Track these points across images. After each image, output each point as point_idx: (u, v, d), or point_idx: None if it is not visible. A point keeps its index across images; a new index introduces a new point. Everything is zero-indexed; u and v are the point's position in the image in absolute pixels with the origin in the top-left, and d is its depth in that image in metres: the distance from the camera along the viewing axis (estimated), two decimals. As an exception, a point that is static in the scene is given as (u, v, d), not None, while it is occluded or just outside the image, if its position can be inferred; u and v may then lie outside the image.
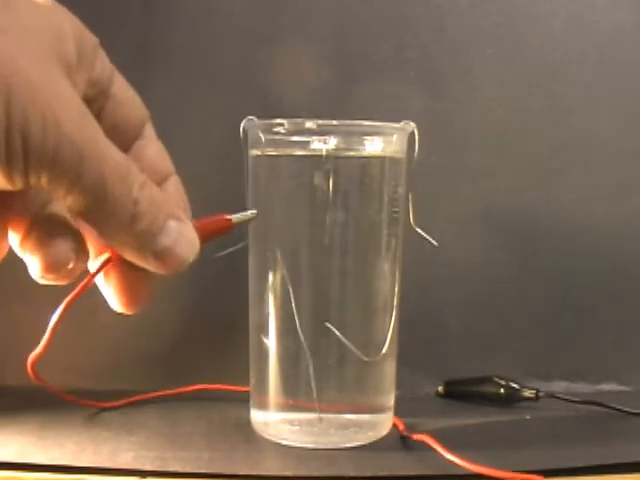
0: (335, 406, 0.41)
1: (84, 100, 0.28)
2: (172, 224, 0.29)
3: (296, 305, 0.40)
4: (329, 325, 0.40)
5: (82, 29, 0.29)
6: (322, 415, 0.41)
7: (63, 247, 0.30)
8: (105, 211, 0.27)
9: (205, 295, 0.53)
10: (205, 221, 0.40)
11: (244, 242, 0.42)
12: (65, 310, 0.41)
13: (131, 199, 0.27)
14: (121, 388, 0.50)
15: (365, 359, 0.40)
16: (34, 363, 0.43)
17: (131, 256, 0.30)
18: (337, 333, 0.40)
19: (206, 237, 0.40)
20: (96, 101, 0.30)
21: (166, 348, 0.53)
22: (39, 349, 0.42)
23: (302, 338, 0.40)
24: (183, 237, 0.30)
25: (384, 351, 0.41)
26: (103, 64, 0.30)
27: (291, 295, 0.40)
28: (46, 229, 0.30)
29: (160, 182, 0.34)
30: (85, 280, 0.39)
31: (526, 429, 0.45)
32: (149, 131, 0.33)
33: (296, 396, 0.41)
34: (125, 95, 0.32)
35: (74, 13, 0.30)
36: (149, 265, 0.30)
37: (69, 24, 0.28)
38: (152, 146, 0.33)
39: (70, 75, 0.27)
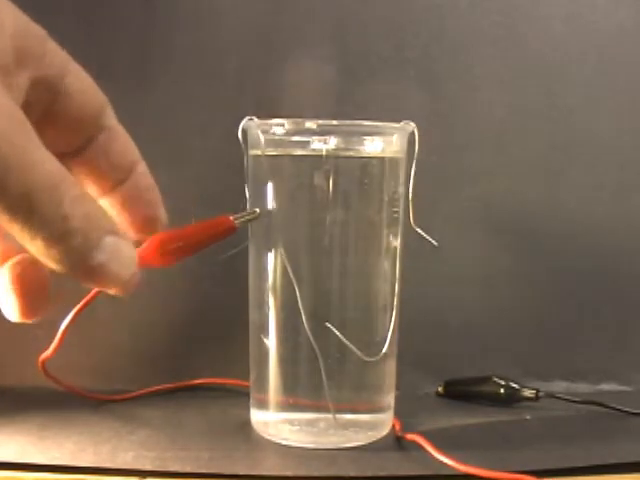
0: (335, 406, 0.41)
1: (28, 100, 0.27)
2: (109, 240, 0.27)
3: (297, 305, 0.40)
4: (329, 325, 0.40)
5: (26, 24, 0.27)
6: (323, 415, 0.41)
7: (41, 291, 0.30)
8: (32, 227, 0.25)
9: (205, 295, 0.53)
10: (208, 223, 0.40)
11: (246, 243, 0.42)
12: (74, 318, 0.42)
13: (60, 215, 0.25)
14: (121, 388, 0.50)
15: (365, 359, 0.40)
16: (44, 363, 0.43)
17: (62, 271, 0.29)
18: (337, 333, 0.40)
19: (210, 239, 0.40)
20: (44, 98, 0.29)
21: (166, 348, 0.53)
22: (49, 352, 0.42)
23: (312, 339, 0.39)
24: (119, 253, 0.28)
25: (384, 351, 0.41)
26: (52, 58, 0.28)
27: (297, 295, 0.39)
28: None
29: (128, 173, 0.32)
30: (93, 292, 0.40)
31: (526, 429, 0.45)
32: (110, 119, 0.31)
33: (296, 396, 0.41)
34: (80, 85, 0.30)
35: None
36: (80, 281, 0.29)
37: (10, 20, 0.26)
38: (118, 138, 0.32)
39: (5, 76, 0.26)
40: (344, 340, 0.40)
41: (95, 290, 0.41)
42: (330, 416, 0.41)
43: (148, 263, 0.40)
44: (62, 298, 0.33)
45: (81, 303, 0.42)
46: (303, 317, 0.39)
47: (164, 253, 0.40)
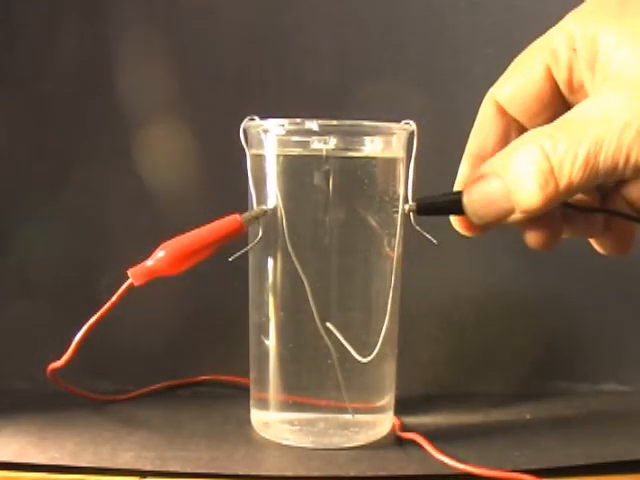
0: (335, 405, 0.41)
1: None
2: None
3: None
4: (329, 325, 0.40)
5: None
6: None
7: None
8: None
9: (205, 295, 0.53)
10: (216, 224, 0.40)
11: (255, 242, 0.42)
12: (88, 330, 0.42)
13: None
14: (121, 388, 0.50)
15: (363, 360, 0.40)
16: (53, 372, 0.44)
17: None
18: (337, 334, 0.40)
19: (220, 240, 0.40)
20: None
21: (166, 348, 0.53)
22: (61, 362, 0.43)
23: (325, 336, 0.39)
24: None
25: (385, 351, 0.41)
26: None
27: (308, 292, 0.39)
28: None
29: None
30: (108, 304, 0.41)
31: (526, 428, 0.45)
32: None
33: (296, 396, 0.41)
34: None
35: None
36: None
37: None
38: None
39: None
40: (342, 340, 0.40)
41: (107, 306, 0.41)
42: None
43: (162, 274, 0.40)
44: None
45: (95, 317, 0.42)
46: (315, 315, 0.39)
47: (177, 262, 0.40)
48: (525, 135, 0.32)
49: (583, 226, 0.37)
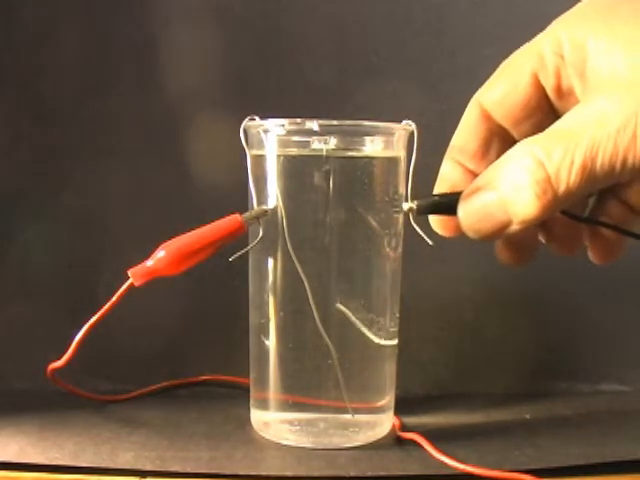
0: (335, 405, 0.41)
1: None
2: None
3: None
4: (340, 306, 0.40)
5: None
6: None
7: None
8: None
9: (205, 295, 0.53)
10: (217, 224, 0.40)
11: (256, 242, 0.42)
12: (88, 330, 0.42)
13: None
14: (121, 388, 0.50)
15: (377, 341, 0.40)
16: (53, 372, 0.44)
17: None
18: (350, 316, 0.40)
19: (221, 240, 0.40)
20: None
21: (166, 348, 0.53)
22: (61, 362, 0.43)
23: (324, 335, 0.40)
24: None
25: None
26: None
27: (308, 292, 0.39)
28: None
29: None
30: (108, 304, 0.41)
31: (526, 428, 0.45)
32: None
33: (296, 396, 0.41)
34: None
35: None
36: None
37: None
38: None
39: None
40: (357, 322, 0.40)
41: (107, 306, 0.41)
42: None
43: (162, 274, 0.41)
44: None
45: (95, 317, 0.42)
46: (315, 315, 0.39)
47: (177, 262, 0.40)
48: (517, 145, 0.31)
49: (566, 235, 0.37)
